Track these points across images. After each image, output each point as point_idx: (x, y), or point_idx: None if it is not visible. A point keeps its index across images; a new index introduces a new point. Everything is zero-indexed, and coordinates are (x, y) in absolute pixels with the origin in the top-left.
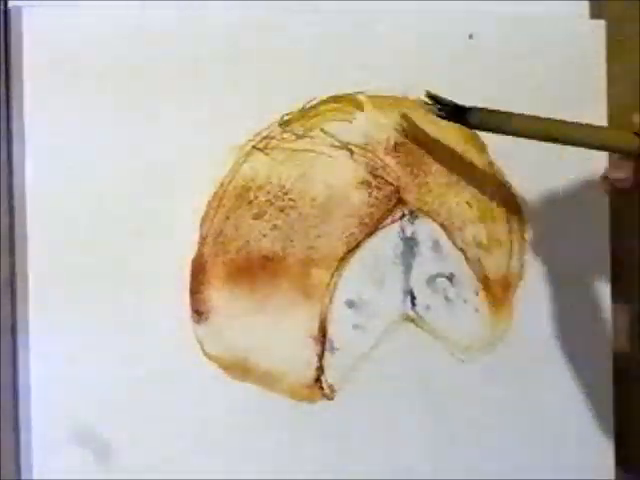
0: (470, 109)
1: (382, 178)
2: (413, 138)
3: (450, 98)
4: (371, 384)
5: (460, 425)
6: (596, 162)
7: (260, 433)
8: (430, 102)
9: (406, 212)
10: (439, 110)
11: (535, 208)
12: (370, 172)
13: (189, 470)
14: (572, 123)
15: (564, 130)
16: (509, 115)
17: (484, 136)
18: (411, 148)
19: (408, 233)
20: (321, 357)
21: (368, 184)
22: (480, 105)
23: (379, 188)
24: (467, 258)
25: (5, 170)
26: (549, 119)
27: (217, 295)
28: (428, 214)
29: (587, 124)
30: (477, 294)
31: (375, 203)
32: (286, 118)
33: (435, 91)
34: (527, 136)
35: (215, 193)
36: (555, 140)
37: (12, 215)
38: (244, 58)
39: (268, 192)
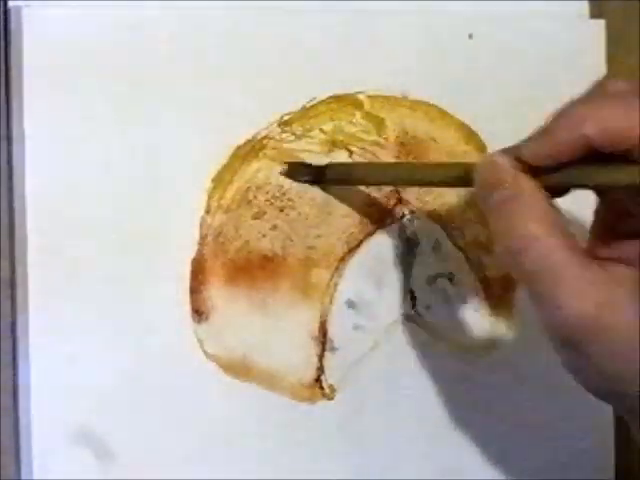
0: (327, 166)
1: None
2: (413, 138)
3: (449, 100)
4: (371, 384)
5: (460, 424)
6: None
7: (260, 433)
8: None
9: (406, 212)
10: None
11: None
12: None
13: (189, 470)
14: (410, 163)
15: (401, 172)
16: (354, 165)
17: (484, 136)
18: (411, 148)
19: (408, 233)
20: (321, 357)
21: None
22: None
23: (379, 188)
24: (467, 258)
25: (5, 170)
26: (386, 163)
27: (217, 295)
28: (428, 214)
29: (427, 162)
30: (477, 294)
31: (375, 203)
32: (286, 118)
33: (435, 91)
34: (373, 183)
35: (215, 193)
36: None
37: (12, 215)
38: (244, 58)
39: (267, 192)
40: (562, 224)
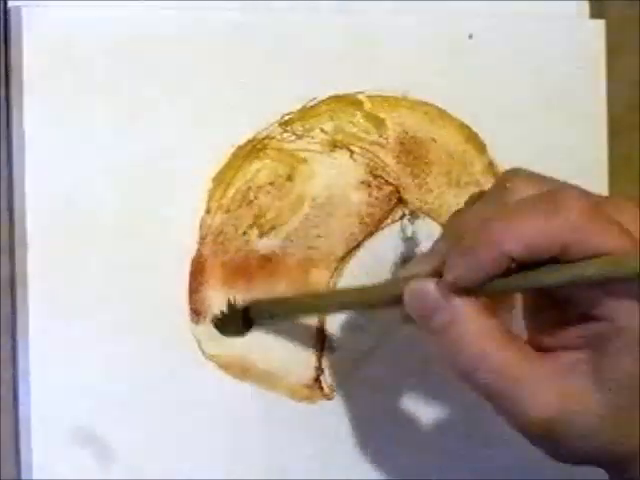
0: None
1: (382, 178)
2: (413, 138)
3: (449, 100)
4: (371, 384)
5: (460, 424)
6: (597, 162)
7: (259, 433)
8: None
9: (406, 212)
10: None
11: None
12: (370, 172)
13: (189, 470)
14: (337, 291)
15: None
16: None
17: (484, 136)
18: (411, 148)
19: (408, 233)
20: (320, 357)
21: (368, 184)
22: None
23: (379, 188)
24: None
25: (5, 170)
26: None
27: (216, 295)
28: (428, 214)
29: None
30: None
31: (375, 203)
32: (286, 118)
33: (435, 91)
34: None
35: (215, 193)
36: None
37: (12, 215)
38: (244, 58)
39: (268, 192)
40: (504, 330)
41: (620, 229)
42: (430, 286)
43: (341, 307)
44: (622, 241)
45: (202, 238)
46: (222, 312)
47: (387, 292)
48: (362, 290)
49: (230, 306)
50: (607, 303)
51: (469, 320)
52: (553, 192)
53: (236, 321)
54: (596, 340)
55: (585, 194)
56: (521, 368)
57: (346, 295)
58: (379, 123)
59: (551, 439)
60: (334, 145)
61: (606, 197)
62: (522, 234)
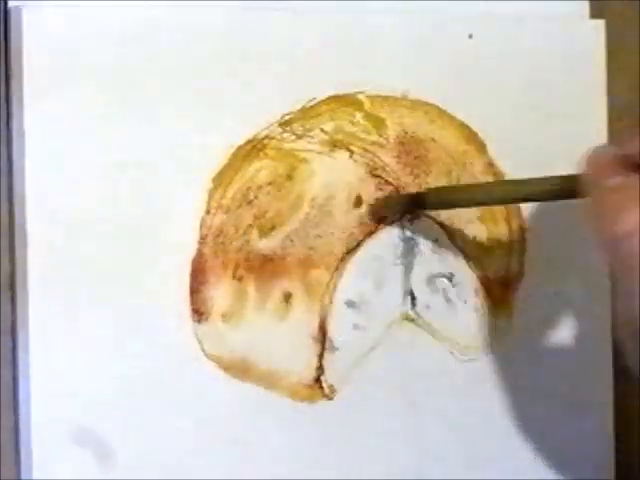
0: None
1: (382, 178)
2: (413, 138)
3: (449, 100)
4: (371, 384)
5: (460, 425)
6: None
7: (260, 433)
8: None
9: (406, 212)
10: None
11: (535, 208)
12: (370, 172)
13: (189, 470)
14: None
15: (506, 189)
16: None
17: (484, 136)
18: (411, 148)
19: (408, 233)
20: (321, 357)
21: (368, 184)
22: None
23: (379, 188)
24: (467, 258)
25: (5, 170)
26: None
27: (217, 295)
28: (428, 214)
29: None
30: (477, 294)
31: (375, 203)
32: (286, 118)
33: (435, 91)
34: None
35: (215, 193)
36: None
37: (12, 215)
38: (244, 58)
39: (268, 192)
40: None
41: None
42: (610, 151)
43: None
44: None
45: (202, 238)
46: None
47: (559, 184)
48: (534, 181)
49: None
50: None
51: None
52: None
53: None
54: None
55: None
56: None
57: (521, 184)
58: (379, 123)
59: None
60: (334, 145)
61: None
62: None
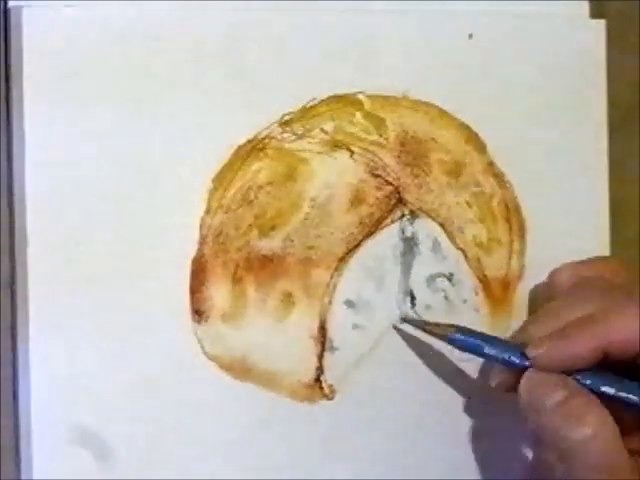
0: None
1: (382, 178)
2: (413, 138)
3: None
4: (371, 384)
5: (460, 425)
6: (597, 162)
7: (260, 433)
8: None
9: (406, 212)
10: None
11: (535, 208)
12: (370, 172)
13: (189, 470)
14: None
15: None
16: None
17: (484, 136)
18: (411, 148)
19: (408, 233)
20: (321, 357)
21: (368, 184)
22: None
23: (379, 188)
24: (467, 258)
25: (5, 170)
26: None
27: (217, 295)
28: (428, 214)
29: None
30: (477, 294)
31: (375, 203)
32: (286, 118)
33: (435, 91)
34: None
35: (215, 193)
36: None
37: (12, 215)
38: (244, 58)
39: (268, 192)
40: (612, 421)
41: None
42: (538, 375)
43: None
44: None
45: (202, 238)
46: None
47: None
48: None
49: None
50: None
51: (585, 395)
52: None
53: None
54: None
55: None
56: (622, 452)
57: None
58: (379, 123)
59: None
60: (334, 145)
61: None
62: (621, 329)
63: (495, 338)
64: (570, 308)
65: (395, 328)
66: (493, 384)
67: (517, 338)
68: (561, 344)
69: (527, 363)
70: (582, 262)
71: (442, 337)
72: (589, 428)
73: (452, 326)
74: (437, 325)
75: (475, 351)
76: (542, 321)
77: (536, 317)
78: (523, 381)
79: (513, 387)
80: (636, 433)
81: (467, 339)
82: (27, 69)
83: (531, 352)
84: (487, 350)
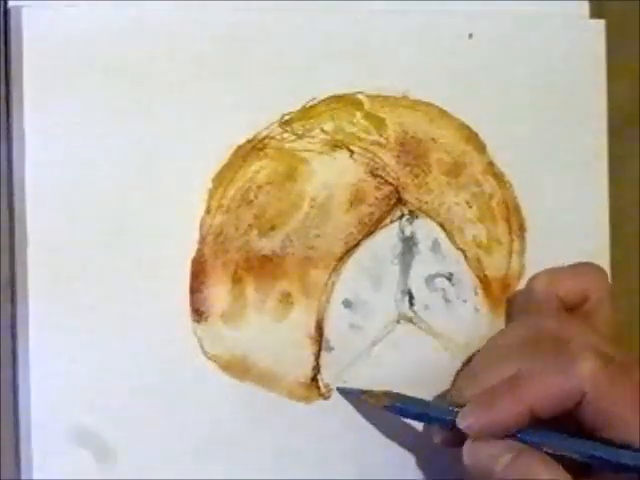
0: None
1: (382, 178)
2: (413, 138)
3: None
4: (368, 384)
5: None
6: (597, 162)
7: (258, 432)
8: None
9: (405, 212)
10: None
11: (535, 208)
12: (370, 172)
13: (189, 470)
14: None
15: None
16: None
17: (484, 136)
18: (411, 148)
19: (407, 233)
20: (318, 356)
21: (368, 184)
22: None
23: (379, 188)
24: (467, 258)
25: (5, 170)
26: None
27: (217, 295)
28: (428, 214)
29: None
30: (476, 294)
31: (374, 203)
32: (286, 118)
33: (435, 91)
34: None
35: (215, 193)
36: None
37: (12, 215)
38: (244, 58)
39: (268, 192)
40: (564, 472)
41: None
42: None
43: None
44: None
45: (202, 238)
46: None
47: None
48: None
49: None
50: None
51: (532, 452)
52: (567, 348)
53: None
54: None
55: (597, 351)
56: None
57: None
58: (379, 123)
59: None
60: (334, 145)
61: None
62: (544, 389)
63: (429, 403)
64: (498, 365)
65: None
66: (436, 441)
67: (454, 396)
68: (488, 413)
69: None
70: (561, 270)
71: (378, 405)
72: None
73: (386, 394)
74: (371, 394)
75: (412, 417)
76: (471, 383)
77: (467, 375)
78: (465, 451)
79: (456, 443)
80: (585, 476)
81: (405, 407)
82: (27, 69)
83: (461, 423)
84: (425, 414)
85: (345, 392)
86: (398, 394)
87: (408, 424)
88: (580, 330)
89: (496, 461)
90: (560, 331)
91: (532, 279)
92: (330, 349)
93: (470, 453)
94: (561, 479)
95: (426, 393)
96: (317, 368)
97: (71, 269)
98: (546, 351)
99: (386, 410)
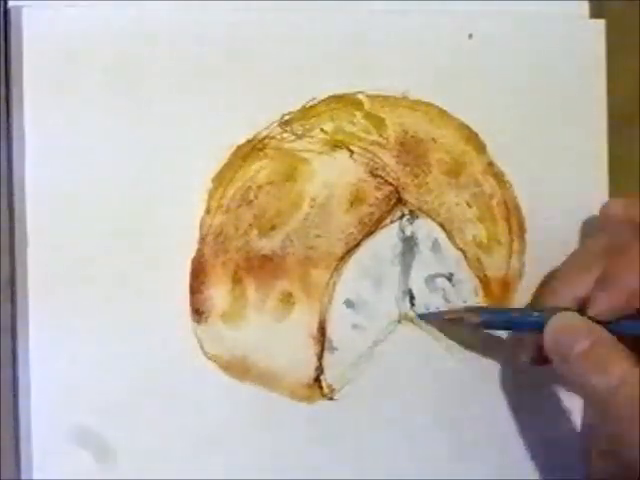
0: None
1: (382, 178)
2: (413, 138)
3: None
4: (370, 384)
5: (459, 424)
6: (597, 162)
7: (259, 433)
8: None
9: (406, 212)
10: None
11: (535, 208)
12: (370, 172)
13: (189, 470)
14: None
15: None
16: None
17: (484, 136)
18: (411, 148)
19: (407, 233)
20: (320, 357)
21: (368, 184)
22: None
23: (379, 188)
24: (467, 258)
25: (5, 170)
26: None
27: (217, 295)
28: (428, 214)
29: None
30: (477, 294)
31: (375, 203)
32: (286, 118)
33: (435, 91)
34: None
35: (215, 193)
36: None
37: (12, 215)
38: (244, 58)
39: (268, 192)
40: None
41: None
42: (573, 318)
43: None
44: None
45: (202, 238)
46: None
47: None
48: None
49: None
50: None
51: (611, 343)
52: None
53: None
54: None
55: None
56: None
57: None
58: (379, 123)
59: None
60: (334, 145)
61: None
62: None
63: (512, 310)
64: (583, 270)
65: (416, 319)
66: (526, 359)
67: (547, 301)
68: (606, 296)
69: None
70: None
71: (468, 324)
72: (614, 378)
73: (469, 310)
74: (455, 313)
75: (502, 326)
76: (570, 281)
77: (548, 285)
78: (548, 327)
79: (543, 360)
80: None
81: (496, 316)
82: (27, 69)
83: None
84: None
85: (425, 317)
86: (480, 307)
87: (410, 424)
88: None
89: (574, 345)
90: None
91: (605, 205)
92: (333, 349)
93: (551, 335)
94: (634, 378)
95: (427, 393)
96: (320, 368)
97: (71, 269)
98: (630, 253)
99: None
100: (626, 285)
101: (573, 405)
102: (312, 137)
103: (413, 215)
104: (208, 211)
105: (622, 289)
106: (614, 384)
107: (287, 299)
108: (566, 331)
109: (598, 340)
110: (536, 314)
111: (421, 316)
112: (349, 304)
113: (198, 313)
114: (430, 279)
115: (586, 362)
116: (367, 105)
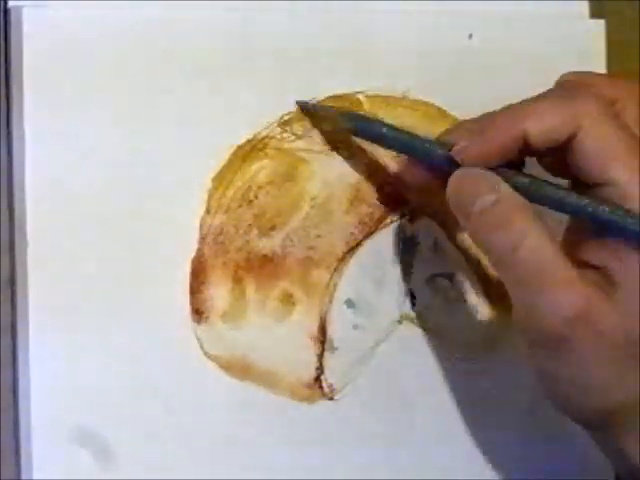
0: None
1: (382, 178)
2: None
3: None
4: (371, 384)
5: (460, 425)
6: None
7: (260, 433)
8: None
9: (406, 212)
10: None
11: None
12: (370, 172)
13: (189, 470)
14: None
15: None
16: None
17: None
18: None
19: (408, 233)
20: (321, 357)
21: (368, 184)
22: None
23: (379, 188)
24: (467, 258)
25: (5, 170)
26: None
27: (217, 295)
28: (428, 214)
29: None
30: (477, 294)
31: (375, 203)
32: (286, 118)
33: (435, 91)
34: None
35: (215, 193)
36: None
37: (12, 215)
38: (244, 58)
39: (268, 192)
40: (544, 227)
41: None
42: (478, 171)
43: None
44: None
45: (202, 238)
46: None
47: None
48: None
49: None
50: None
51: (514, 198)
52: (574, 89)
53: None
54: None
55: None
56: (557, 260)
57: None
58: None
59: (561, 348)
60: (334, 145)
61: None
62: (541, 111)
63: (414, 134)
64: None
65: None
66: (410, 179)
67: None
68: (481, 137)
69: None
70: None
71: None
72: (515, 235)
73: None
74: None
75: (398, 148)
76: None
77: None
78: (450, 184)
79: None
80: (591, 242)
81: (384, 131)
82: (27, 69)
83: (455, 151)
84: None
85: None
86: (360, 115)
87: (411, 424)
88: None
89: (476, 201)
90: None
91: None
92: (334, 349)
93: (454, 186)
94: (537, 235)
95: (429, 393)
96: (321, 368)
97: (71, 269)
98: (551, 91)
99: (358, 135)
100: (527, 115)
101: None
102: (312, 137)
103: (413, 215)
104: (208, 211)
105: (522, 119)
106: (515, 239)
107: (287, 299)
108: (470, 182)
109: (503, 196)
110: (440, 151)
111: (299, 102)
112: (350, 304)
113: (198, 313)
114: (431, 279)
115: (487, 220)
116: (367, 105)
